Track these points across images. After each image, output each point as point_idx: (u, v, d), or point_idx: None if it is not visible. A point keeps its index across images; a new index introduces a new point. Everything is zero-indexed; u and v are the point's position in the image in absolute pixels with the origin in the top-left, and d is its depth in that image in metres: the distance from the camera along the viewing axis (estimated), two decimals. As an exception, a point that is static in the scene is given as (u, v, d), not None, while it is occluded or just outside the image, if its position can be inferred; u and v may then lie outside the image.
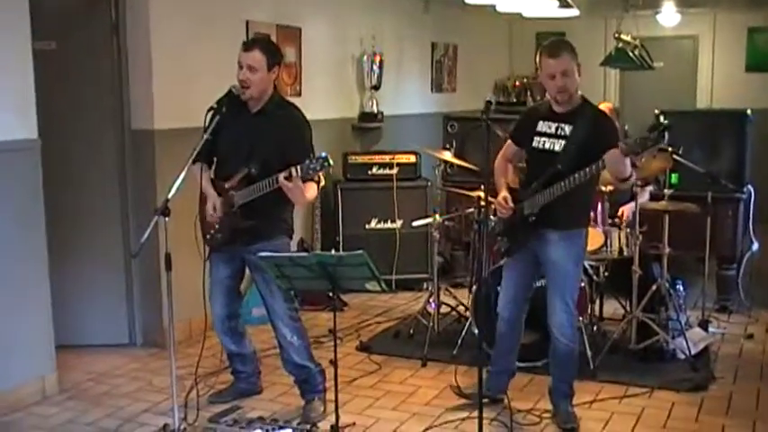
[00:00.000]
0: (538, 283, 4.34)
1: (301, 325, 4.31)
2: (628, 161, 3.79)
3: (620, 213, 5.34)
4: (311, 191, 3.97)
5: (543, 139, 4.02)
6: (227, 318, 4.36)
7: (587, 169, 3.81)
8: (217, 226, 4.17)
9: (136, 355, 5.27)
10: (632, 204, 5.08)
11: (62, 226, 5.03)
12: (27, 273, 4.51)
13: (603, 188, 4.95)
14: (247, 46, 4.10)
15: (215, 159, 4.21)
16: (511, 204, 4.06)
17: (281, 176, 3.83)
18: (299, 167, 3.79)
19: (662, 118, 6.07)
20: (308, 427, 3.98)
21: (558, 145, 3.95)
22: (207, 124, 3.96)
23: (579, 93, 4.01)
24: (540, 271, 4.20)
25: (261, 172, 3.97)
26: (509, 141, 4.27)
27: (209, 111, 3.99)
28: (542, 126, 4.03)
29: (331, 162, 3.80)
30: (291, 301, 4.26)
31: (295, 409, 4.35)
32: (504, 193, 4.12)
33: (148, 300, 5.39)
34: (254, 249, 3.94)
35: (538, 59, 3.99)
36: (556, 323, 4.04)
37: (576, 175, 3.83)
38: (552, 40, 4.07)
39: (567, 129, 3.94)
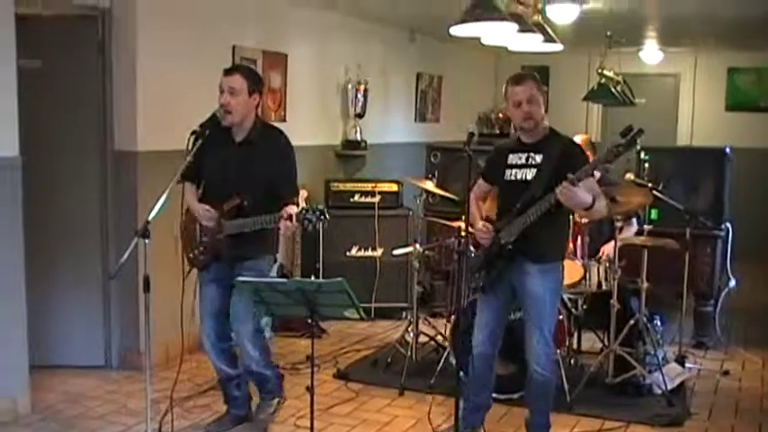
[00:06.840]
0: (514, 316, 4.35)
1: (262, 336, 4.42)
2: (581, 191, 3.76)
3: (600, 253, 5.35)
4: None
5: (515, 170, 4.04)
6: (219, 339, 4.33)
7: (548, 198, 3.82)
8: (201, 248, 4.18)
9: (111, 378, 5.22)
10: (612, 243, 5.06)
11: (41, 245, 4.99)
12: (3, 291, 4.47)
13: (579, 220, 4.96)
14: (228, 71, 4.15)
15: (202, 184, 4.23)
16: (490, 228, 4.07)
17: (283, 224, 3.89)
18: (295, 214, 3.85)
19: (642, 154, 6.17)
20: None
21: (531, 173, 3.97)
22: (189, 148, 3.97)
23: (546, 123, 4.05)
24: (516, 304, 4.20)
25: (252, 204, 4.04)
26: (480, 181, 4.25)
27: (191, 134, 4.01)
28: (513, 158, 4.06)
29: (327, 216, 3.84)
30: (259, 317, 4.33)
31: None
32: (481, 222, 4.13)
33: (125, 322, 5.35)
34: (239, 269, 4.02)
35: (504, 92, 4.07)
36: (533, 355, 4.04)
37: (541, 203, 3.85)
38: (517, 72, 4.15)
39: (538, 157, 3.97)
